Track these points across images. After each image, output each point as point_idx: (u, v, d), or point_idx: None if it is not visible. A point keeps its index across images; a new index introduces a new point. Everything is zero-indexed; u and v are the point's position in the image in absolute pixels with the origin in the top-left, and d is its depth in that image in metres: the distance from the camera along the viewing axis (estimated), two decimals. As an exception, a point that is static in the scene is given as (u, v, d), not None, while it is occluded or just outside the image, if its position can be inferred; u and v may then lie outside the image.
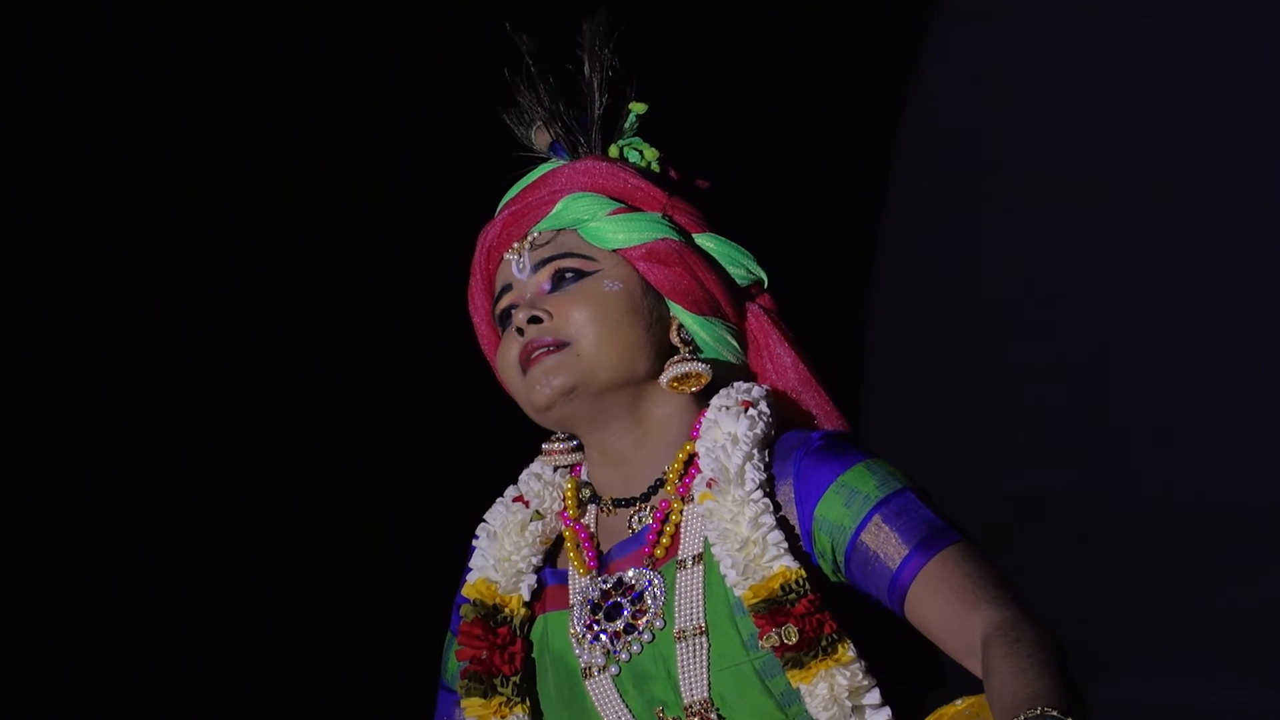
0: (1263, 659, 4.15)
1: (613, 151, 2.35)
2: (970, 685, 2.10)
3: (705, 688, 2.22)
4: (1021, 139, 4.40)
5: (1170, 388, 4.24)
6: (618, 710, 2.27)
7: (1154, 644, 4.16)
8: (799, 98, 4.33)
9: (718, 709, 2.22)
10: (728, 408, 2.26)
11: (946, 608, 2.12)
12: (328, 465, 3.96)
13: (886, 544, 2.16)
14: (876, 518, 2.17)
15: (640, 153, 2.36)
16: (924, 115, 4.48)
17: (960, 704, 2.09)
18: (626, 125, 2.36)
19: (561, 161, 2.35)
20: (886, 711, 2.19)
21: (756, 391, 2.28)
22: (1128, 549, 4.21)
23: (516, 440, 2.45)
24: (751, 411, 2.25)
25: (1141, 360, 4.26)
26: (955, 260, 4.39)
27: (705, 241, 2.32)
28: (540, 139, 2.38)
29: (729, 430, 2.23)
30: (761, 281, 2.35)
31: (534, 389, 2.27)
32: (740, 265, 2.33)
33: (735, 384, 2.30)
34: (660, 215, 2.30)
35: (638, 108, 2.36)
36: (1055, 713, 1.91)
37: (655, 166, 2.36)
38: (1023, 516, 4.17)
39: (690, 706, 2.23)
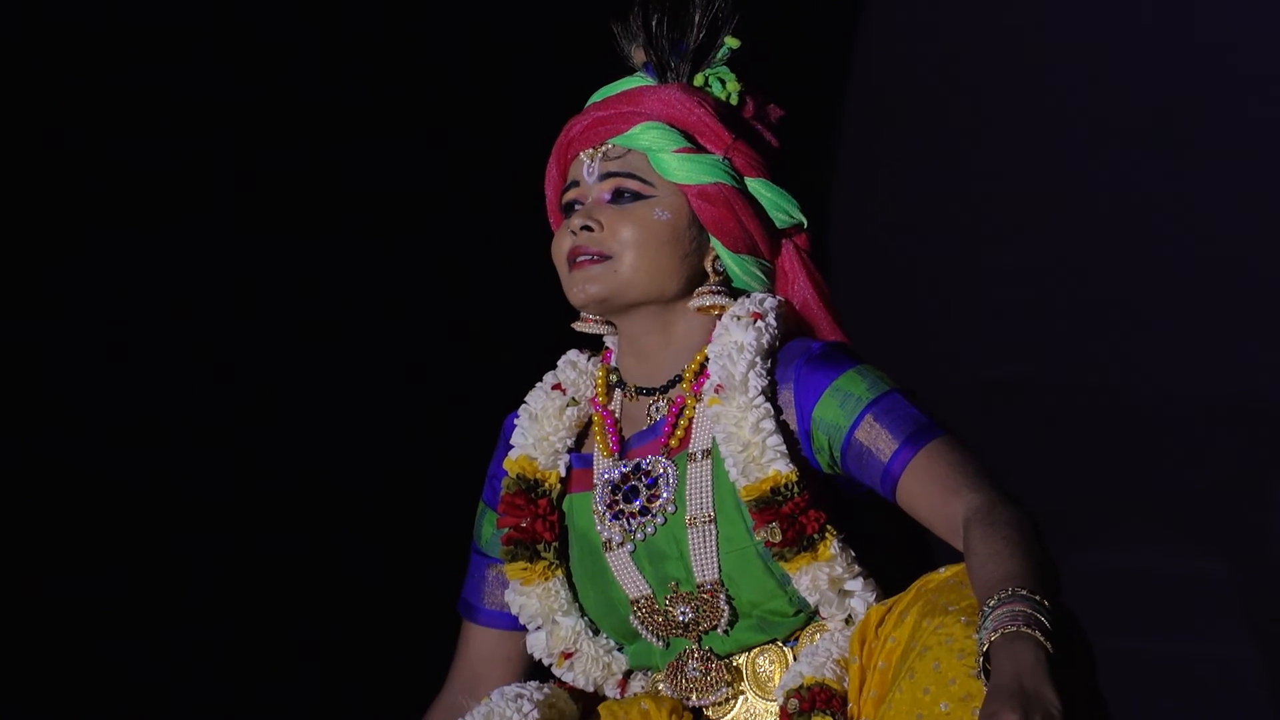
0: (1208, 532, 4.21)
1: (698, 80, 2.39)
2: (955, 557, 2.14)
3: (715, 569, 2.29)
4: (981, 43, 4.39)
5: (1127, 285, 4.27)
6: (636, 581, 2.34)
7: (1112, 520, 4.21)
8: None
9: (726, 587, 2.30)
10: (739, 317, 2.32)
11: (933, 494, 2.17)
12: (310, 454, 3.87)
13: (878, 440, 2.22)
14: (868, 416, 2.23)
15: (723, 83, 2.39)
16: (885, 27, 4.47)
17: (944, 572, 2.13)
18: (718, 56, 2.39)
19: (650, 81, 2.38)
20: (870, 595, 2.26)
21: (769, 303, 2.34)
22: (1089, 434, 4.25)
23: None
24: (760, 323, 2.30)
25: (1098, 259, 4.29)
26: (923, 174, 4.39)
27: (757, 187, 2.36)
28: (637, 57, 2.41)
29: (737, 339, 2.29)
30: (801, 224, 2.39)
31: (573, 289, 2.35)
32: (783, 210, 2.37)
33: (752, 295, 2.36)
34: (720, 158, 2.34)
35: (732, 42, 2.38)
36: (1025, 591, 1.94)
37: (734, 99, 2.39)
38: (993, 403, 4.21)
39: (702, 585, 2.30)
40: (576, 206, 2.37)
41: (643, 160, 2.35)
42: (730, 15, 2.38)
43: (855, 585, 2.26)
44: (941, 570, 2.14)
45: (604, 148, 2.37)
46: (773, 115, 2.42)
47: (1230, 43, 4.20)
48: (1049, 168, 4.33)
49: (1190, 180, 4.25)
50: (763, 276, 2.38)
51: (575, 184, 2.39)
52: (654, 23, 2.39)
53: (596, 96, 2.41)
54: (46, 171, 3.62)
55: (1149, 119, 4.28)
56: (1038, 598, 1.94)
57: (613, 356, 2.44)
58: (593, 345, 2.49)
